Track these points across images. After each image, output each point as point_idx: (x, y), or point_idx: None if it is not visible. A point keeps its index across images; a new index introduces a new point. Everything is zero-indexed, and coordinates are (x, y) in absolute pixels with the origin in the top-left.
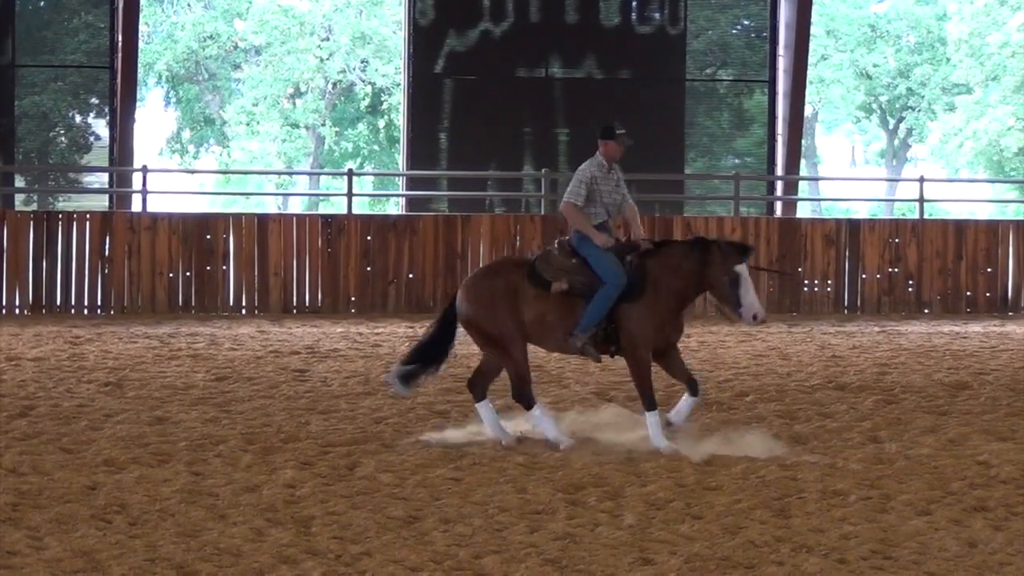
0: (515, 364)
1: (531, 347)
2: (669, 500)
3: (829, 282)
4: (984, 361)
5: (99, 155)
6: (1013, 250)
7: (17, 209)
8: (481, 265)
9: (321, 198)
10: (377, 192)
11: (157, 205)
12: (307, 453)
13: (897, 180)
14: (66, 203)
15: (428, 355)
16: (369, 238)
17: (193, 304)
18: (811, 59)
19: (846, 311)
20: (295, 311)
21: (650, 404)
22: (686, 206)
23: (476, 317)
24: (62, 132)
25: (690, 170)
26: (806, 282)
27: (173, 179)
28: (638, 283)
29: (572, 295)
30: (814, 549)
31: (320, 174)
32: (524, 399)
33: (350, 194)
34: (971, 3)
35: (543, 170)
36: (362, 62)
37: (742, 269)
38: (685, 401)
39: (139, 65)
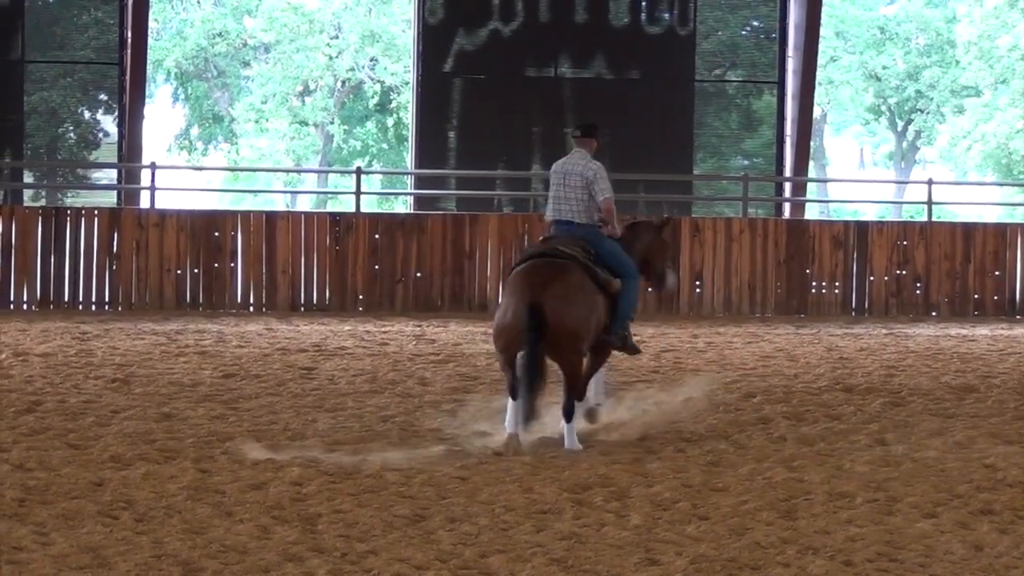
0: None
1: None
2: (675, 501)
3: (837, 284)
4: (991, 364)
5: (108, 151)
6: (1021, 253)
7: (25, 205)
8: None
9: (329, 196)
10: (385, 190)
11: (165, 202)
12: (314, 451)
13: (905, 182)
14: (74, 199)
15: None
16: (377, 236)
17: (201, 301)
18: (820, 61)
19: (854, 313)
20: (303, 309)
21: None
22: (694, 207)
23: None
24: (71, 128)
25: (699, 171)
26: (814, 284)
27: (181, 176)
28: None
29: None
30: (820, 551)
31: (328, 172)
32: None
33: (358, 192)
34: (981, 6)
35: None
36: (371, 60)
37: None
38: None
39: (148, 62)
